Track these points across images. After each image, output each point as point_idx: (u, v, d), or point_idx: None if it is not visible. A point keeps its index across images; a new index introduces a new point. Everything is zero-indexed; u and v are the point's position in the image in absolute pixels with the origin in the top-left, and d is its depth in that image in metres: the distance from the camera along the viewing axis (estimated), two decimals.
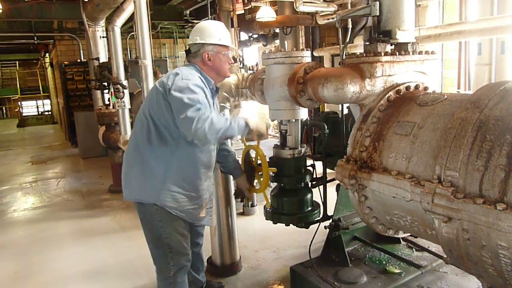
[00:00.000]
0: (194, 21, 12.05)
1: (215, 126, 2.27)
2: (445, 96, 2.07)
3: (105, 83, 6.32)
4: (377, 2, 2.32)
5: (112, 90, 6.09)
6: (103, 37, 7.07)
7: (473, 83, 6.93)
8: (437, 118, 1.93)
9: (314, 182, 2.97)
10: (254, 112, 2.66)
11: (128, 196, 2.58)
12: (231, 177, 3.55)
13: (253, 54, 12.89)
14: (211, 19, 10.38)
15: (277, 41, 9.99)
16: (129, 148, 2.59)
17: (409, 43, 2.39)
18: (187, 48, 2.64)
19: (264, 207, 3.05)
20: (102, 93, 7.18)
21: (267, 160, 2.83)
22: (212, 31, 2.57)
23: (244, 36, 11.65)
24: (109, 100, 6.78)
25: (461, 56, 7.27)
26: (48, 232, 5.14)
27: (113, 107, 6.50)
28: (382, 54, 2.24)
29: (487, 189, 1.57)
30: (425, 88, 2.35)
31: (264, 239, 4.44)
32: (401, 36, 2.36)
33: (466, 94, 2.10)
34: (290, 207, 2.89)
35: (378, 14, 2.33)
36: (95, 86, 6.78)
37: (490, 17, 6.07)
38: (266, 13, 7.85)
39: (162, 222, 2.51)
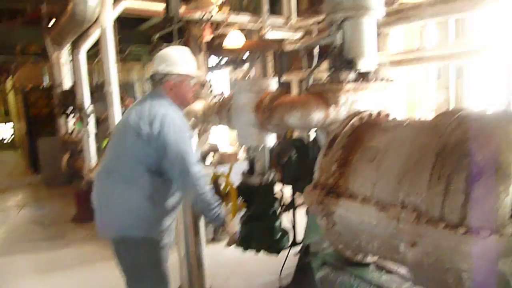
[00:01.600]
0: (164, 45, 12.09)
1: (206, 197, 2.52)
2: (407, 122, 2.14)
3: (70, 109, 6.16)
4: (340, 31, 2.40)
5: (76, 116, 5.94)
6: (67, 62, 6.94)
7: (434, 106, 7.27)
8: (399, 144, 1.99)
9: (283, 208, 2.97)
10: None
11: (111, 233, 2.49)
12: None
13: (222, 78, 12.98)
14: (180, 44, 10.44)
15: (247, 66, 10.15)
16: (107, 182, 2.49)
17: (371, 71, 2.48)
18: (151, 74, 2.64)
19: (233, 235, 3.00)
20: (67, 119, 6.98)
21: (235, 187, 2.81)
22: (176, 60, 2.56)
23: (213, 60, 11.75)
24: (73, 126, 6.60)
25: (422, 80, 7.61)
26: (6, 267, 4.85)
27: (78, 133, 6.33)
28: (346, 82, 2.31)
29: (448, 213, 1.61)
30: (387, 114, 2.43)
31: (235, 266, 4.36)
32: (363, 64, 2.45)
33: (426, 120, 2.19)
34: (259, 234, 2.86)
35: (341, 42, 2.41)
36: (59, 112, 6.60)
37: (447, 44, 6.43)
38: (234, 39, 7.97)
39: (150, 252, 2.47)
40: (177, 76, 2.56)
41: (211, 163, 7.52)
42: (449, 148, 1.71)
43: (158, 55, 2.64)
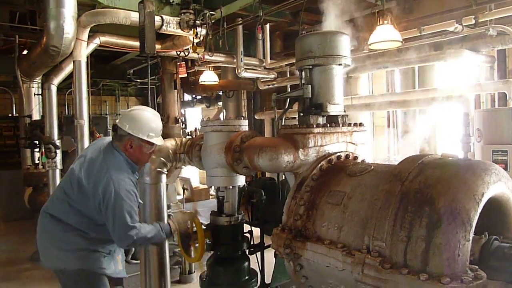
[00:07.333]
0: (138, 80, 12.09)
1: (145, 239, 2.52)
2: (372, 167, 2.20)
3: (36, 142, 5.98)
4: (309, 86, 2.47)
5: (43, 149, 5.76)
6: (37, 94, 6.81)
7: (401, 148, 7.51)
8: (365, 189, 2.03)
9: (251, 249, 2.93)
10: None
11: (49, 265, 2.61)
12: (166, 246, 3.38)
13: (196, 115, 13.03)
14: (156, 78, 10.48)
15: (220, 103, 10.25)
16: (52, 218, 2.58)
17: (339, 115, 2.55)
18: (114, 125, 2.67)
19: (200, 276, 2.92)
20: (32, 152, 6.75)
21: (204, 227, 2.77)
22: (142, 125, 2.58)
23: (187, 96, 11.82)
24: (39, 159, 6.38)
25: (390, 123, 7.90)
26: None
27: (43, 167, 6.11)
28: (314, 126, 2.37)
29: (411, 259, 1.64)
30: (355, 158, 2.49)
31: None
32: (331, 109, 2.52)
33: (391, 165, 2.25)
34: (227, 276, 2.80)
35: (310, 96, 2.48)
36: (24, 144, 6.39)
37: (411, 90, 6.74)
38: (209, 77, 8.10)
39: (88, 282, 2.54)
40: (137, 140, 2.58)
41: (182, 199, 7.40)
42: (411, 195, 1.76)
43: (126, 113, 2.66)
